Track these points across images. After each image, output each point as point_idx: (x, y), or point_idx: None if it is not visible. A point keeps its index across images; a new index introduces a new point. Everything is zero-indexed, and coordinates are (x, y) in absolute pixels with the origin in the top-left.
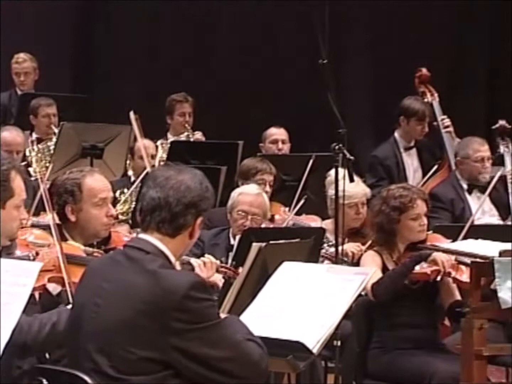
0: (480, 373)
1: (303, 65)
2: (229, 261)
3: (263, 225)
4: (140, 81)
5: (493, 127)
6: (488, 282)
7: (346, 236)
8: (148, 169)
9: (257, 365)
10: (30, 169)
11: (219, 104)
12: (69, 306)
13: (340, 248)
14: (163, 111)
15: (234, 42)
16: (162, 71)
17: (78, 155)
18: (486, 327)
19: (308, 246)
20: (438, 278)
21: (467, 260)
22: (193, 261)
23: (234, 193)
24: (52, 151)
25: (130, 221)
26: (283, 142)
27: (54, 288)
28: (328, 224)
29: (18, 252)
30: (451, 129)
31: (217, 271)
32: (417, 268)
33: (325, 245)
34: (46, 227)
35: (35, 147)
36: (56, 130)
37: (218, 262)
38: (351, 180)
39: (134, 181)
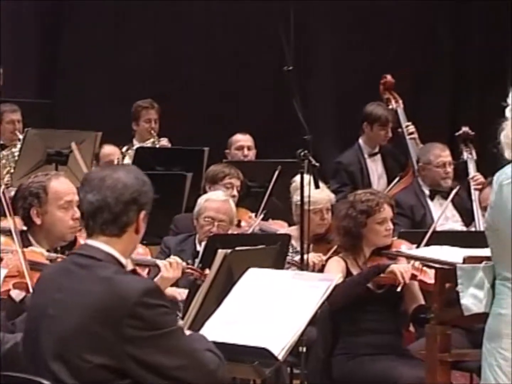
0: (444, 379)
1: (268, 71)
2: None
3: (229, 231)
4: (106, 87)
5: (457, 133)
6: (452, 288)
7: (311, 242)
8: None
9: (212, 374)
10: None
11: (185, 110)
12: None
13: (306, 254)
14: (129, 117)
15: (200, 48)
16: (128, 77)
17: (43, 161)
18: (450, 333)
19: (274, 253)
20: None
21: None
22: (159, 262)
23: (201, 200)
24: (16, 158)
25: None
26: (249, 148)
27: (17, 295)
28: (293, 230)
29: None
30: (415, 135)
31: (184, 272)
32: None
33: (290, 251)
34: (9, 233)
35: None
36: (21, 137)
37: (184, 263)
38: (317, 186)
39: None
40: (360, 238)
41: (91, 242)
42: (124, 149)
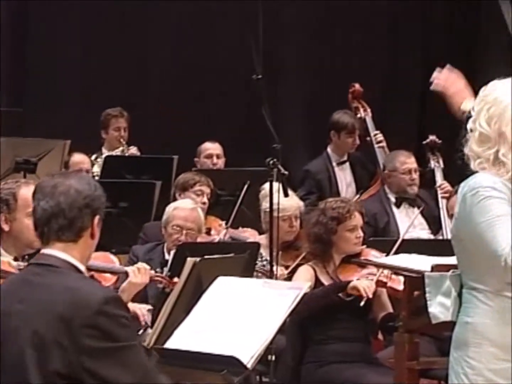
0: None
1: (238, 80)
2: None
3: (198, 240)
4: (74, 95)
5: (424, 142)
6: (420, 296)
7: (280, 250)
8: None
9: None
10: None
11: (154, 118)
12: None
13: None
14: (98, 126)
15: (169, 56)
16: (98, 85)
17: (11, 169)
18: (418, 341)
19: (243, 261)
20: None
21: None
22: (127, 268)
23: (169, 208)
24: None
25: None
26: (218, 156)
27: None
28: (262, 239)
29: None
30: (384, 144)
31: (152, 280)
32: (354, 279)
33: (258, 260)
34: None
35: None
36: None
37: (152, 271)
38: (286, 195)
39: None
40: (330, 245)
41: (47, 251)
42: (93, 157)
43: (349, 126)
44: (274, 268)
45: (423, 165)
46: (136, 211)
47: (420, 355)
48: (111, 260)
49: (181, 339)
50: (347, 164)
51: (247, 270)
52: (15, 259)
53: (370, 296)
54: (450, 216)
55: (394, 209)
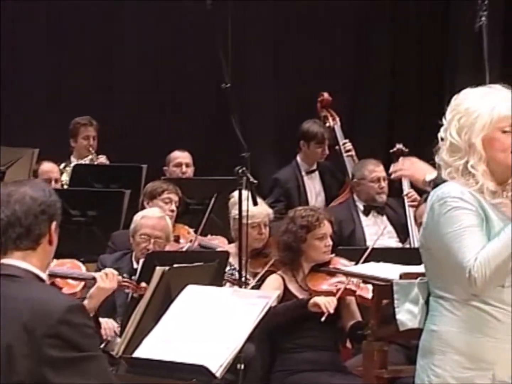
0: None
1: (207, 88)
2: None
3: (166, 248)
4: (42, 103)
5: (391, 150)
6: (389, 305)
7: (249, 257)
8: None
9: None
10: None
11: (123, 127)
12: None
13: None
14: (67, 134)
15: (137, 64)
16: (65, 93)
17: None
18: (387, 349)
19: (212, 270)
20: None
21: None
22: (95, 274)
23: (137, 217)
24: None
25: None
26: (187, 165)
27: None
28: (231, 248)
29: None
30: (352, 153)
31: (120, 285)
32: (323, 288)
33: (227, 269)
34: None
35: None
36: None
37: (120, 277)
38: (255, 203)
39: None
40: (300, 253)
41: (7, 261)
42: (62, 166)
43: (319, 136)
44: (243, 275)
45: (390, 174)
46: (104, 220)
47: (389, 363)
48: (79, 266)
49: (150, 348)
50: (316, 173)
51: (216, 278)
52: None
53: (331, 311)
54: (418, 224)
55: (362, 217)
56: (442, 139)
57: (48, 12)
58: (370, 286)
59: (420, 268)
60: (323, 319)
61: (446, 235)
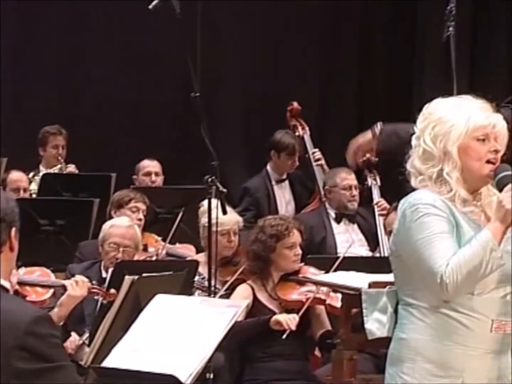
0: None
1: (176, 97)
2: None
3: (135, 257)
4: (10, 112)
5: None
6: (358, 313)
7: (218, 265)
8: None
9: None
10: None
11: (92, 136)
12: None
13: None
14: (36, 143)
15: (106, 73)
16: (33, 102)
17: None
18: (356, 358)
19: (181, 279)
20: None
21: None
22: (65, 281)
23: (105, 226)
24: None
25: None
26: (156, 174)
27: None
28: (200, 257)
29: None
30: (322, 162)
31: (89, 292)
32: (292, 297)
33: (196, 278)
34: None
35: None
36: None
37: (89, 283)
38: (224, 212)
39: None
40: (269, 262)
41: None
42: (30, 175)
43: (290, 147)
44: (212, 283)
45: (361, 183)
46: (73, 229)
47: (358, 372)
48: (48, 274)
49: (119, 358)
50: (286, 182)
51: (186, 288)
52: None
53: (293, 328)
54: (388, 233)
55: (334, 224)
56: (414, 147)
57: (16, 18)
58: (339, 295)
59: (390, 277)
60: (284, 336)
61: (417, 241)
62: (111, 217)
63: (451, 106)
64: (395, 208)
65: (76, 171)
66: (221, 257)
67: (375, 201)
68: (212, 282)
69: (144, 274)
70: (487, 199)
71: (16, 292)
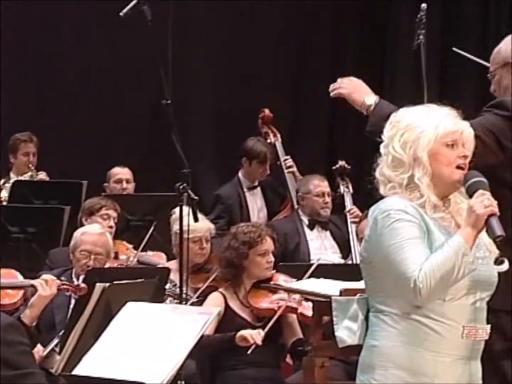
0: None
1: (148, 104)
2: (72, 301)
3: (107, 265)
4: None
5: (334, 167)
6: (329, 321)
7: (190, 272)
8: None
9: None
10: None
11: (63, 143)
12: None
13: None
14: (6, 150)
15: (77, 80)
16: (3, 109)
17: None
18: (327, 365)
19: (153, 286)
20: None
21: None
22: (34, 281)
23: (77, 233)
24: None
25: None
26: (128, 181)
27: None
28: (172, 264)
29: None
30: (294, 169)
31: (59, 289)
32: (264, 305)
33: (168, 285)
34: None
35: None
36: None
37: (58, 281)
38: (196, 219)
39: None
40: (242, 269)
41: None
42: (1, 182)
43: (261, 155)
44: (184, 290)
45: (333, 190)
46: (44, 236)
47: (329, 379)
48: (15, 275)
49: (90, 365)
50: (258, 189)
51: (157, 295)
52: None
53: (259, 343)
54: (360, 240)
55: (307, 230)
56: (383, 155)
57: None
58: (311, 304)
59: (361, 284)
60: (249, 352)
61: (389, 246)
62: (82, 225)
63: (418, 113)
64: (367, 215)
65: (47, 179)
66: (193, 264)
67: (347, 209)
68: (184, 289)
69: (115, 282)
70: (455, 206)
71: None
